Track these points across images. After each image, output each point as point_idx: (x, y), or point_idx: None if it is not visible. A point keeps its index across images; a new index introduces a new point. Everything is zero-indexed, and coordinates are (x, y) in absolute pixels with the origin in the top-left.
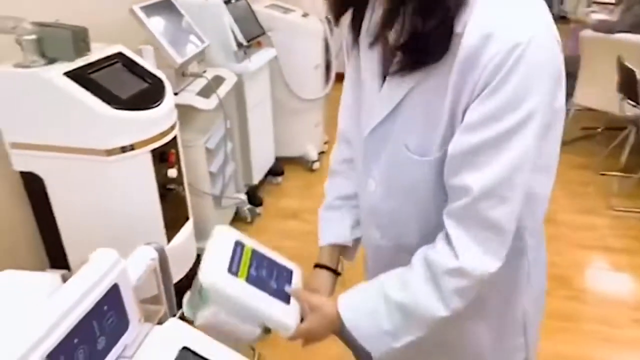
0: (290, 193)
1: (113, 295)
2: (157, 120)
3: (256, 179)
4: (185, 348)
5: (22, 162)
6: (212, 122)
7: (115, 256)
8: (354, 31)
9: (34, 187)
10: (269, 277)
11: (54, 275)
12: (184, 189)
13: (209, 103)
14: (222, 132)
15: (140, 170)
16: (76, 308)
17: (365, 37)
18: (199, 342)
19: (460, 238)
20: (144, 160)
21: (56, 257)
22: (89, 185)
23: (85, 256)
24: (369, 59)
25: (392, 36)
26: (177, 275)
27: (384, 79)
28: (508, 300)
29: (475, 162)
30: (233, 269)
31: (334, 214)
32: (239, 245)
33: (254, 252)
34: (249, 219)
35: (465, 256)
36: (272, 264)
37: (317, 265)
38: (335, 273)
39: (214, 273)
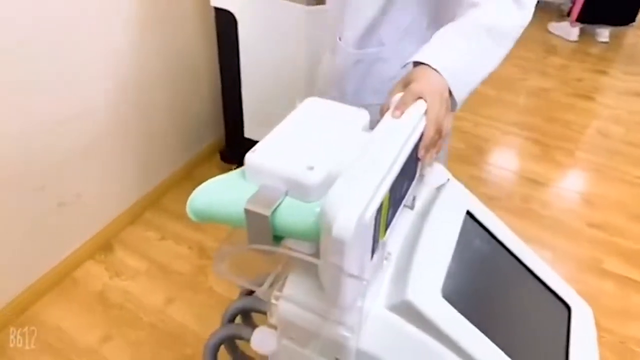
0: None
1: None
2: None
3: None
4: (468, 212)
5: None
6: None
7: (424, 105)
8: None
9: (225, 27)
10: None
11: (361, 110)
12: None
13: None
14: None
15: None
16: (405, 145)
17: None
18: (478, 208)
19: None
20: None
21: (232, 102)
22: (281, 34)
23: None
24: None
25: None
26: None
27: None
28: None
29: None
30: None
31: None
32: None
33: None
34: None
35: None
36: None
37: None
38: None
39: None
